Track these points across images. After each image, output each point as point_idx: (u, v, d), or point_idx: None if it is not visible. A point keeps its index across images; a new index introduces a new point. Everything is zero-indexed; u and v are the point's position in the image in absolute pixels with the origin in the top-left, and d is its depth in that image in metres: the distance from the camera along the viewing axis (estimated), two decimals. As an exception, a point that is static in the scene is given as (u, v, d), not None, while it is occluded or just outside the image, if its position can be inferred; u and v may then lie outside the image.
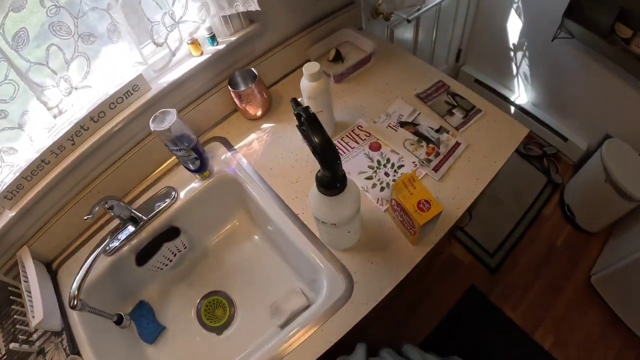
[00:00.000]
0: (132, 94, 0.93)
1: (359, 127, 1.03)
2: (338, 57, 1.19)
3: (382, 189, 0.92)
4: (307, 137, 0.61)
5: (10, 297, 0.93)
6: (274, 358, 0.78)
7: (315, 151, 0.60)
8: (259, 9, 0.91)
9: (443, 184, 0.91)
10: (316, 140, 0.58)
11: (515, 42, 1.79)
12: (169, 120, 0.87)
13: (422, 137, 0.98)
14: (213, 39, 0.99)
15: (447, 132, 0.99)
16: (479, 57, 2.03)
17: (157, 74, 0.94)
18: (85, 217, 0.85)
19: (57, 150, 0.88)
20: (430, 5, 1.47)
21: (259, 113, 1.09)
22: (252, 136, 1.08)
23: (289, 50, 1.16)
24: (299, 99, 0.67)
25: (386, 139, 0.99)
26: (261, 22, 1.04)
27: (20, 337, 0.89)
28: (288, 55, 1.17)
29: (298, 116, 0.61)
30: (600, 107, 1.66)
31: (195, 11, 0.92)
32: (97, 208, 0.86)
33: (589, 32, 1.35)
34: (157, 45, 0.88)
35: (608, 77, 1.52)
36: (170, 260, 1.05)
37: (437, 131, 0.99)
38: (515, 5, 1.67)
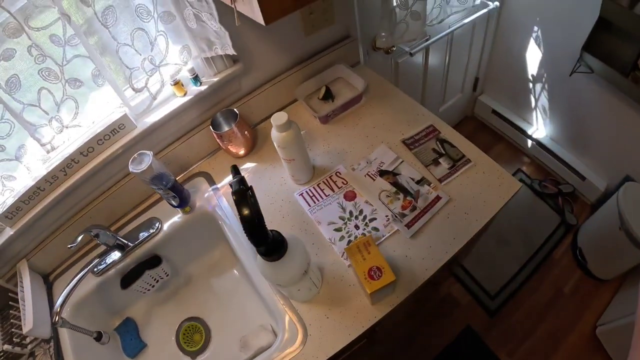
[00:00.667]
0: (118, 131, 0.97)
1: (337, 174, 1.00)
2: (328, 96, 1.16)
3: (349, 242, 0.89)
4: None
5: (10, 302, 1.01)
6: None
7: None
8: (235, 53, 0.91)
9: (415, 241, 0.87)
10: (243, 213, 0.57)
11: (534, 74, 1.69)
12: (146, 162, 0.89)
13: (400, 188, 0.94)
14: (196, 79, 0.99)
15: (429, 184, 0.94)
16: (497, 87, 1.94)
17: (141, 115, 0.96)
18: (69, 246, 0.90)
19: (50, 179, 0.95)
20: (439, 37, 1.42)
21: (241, 152, 1.08)
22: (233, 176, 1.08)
23: (279, 87, 1.15)
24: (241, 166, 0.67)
25: (362, 188, 0.96)
26: (246, 62, 1.04)
27: (15, 339, 0.96)
28: (277, 93, 1.16)
29: (231, 186, 0.60)
30: (621, 147, 1.54)
31: (176, 54, 0.93)
32: (81, 236, 0.90)
33: (609, 68, 1.25)
34: (136, 90, 0.90)
35: (630, 115, 1.41)
36: (153, 286, 1.08)
37: (418, 182, 0.95)
38: (534, 35, 1.58)
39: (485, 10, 1.47)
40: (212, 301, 1.09)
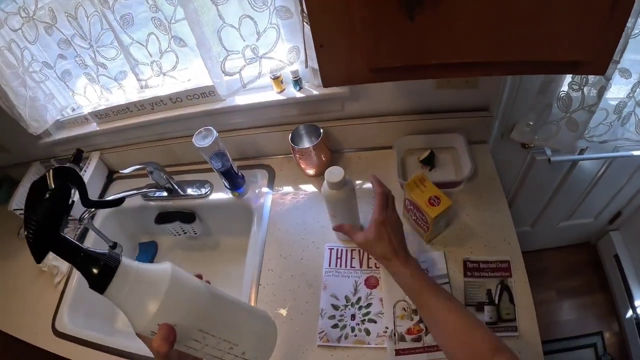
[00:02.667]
0: (207, 96, 0.99)
1: (376, 253, 0.89)
2: (429, 162, 1.01)
3: (336, 325, 0.80)
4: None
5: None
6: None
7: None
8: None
9: None
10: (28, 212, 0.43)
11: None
12: (209, 139, 0.89)
13: None
14: (297, 83, 0.94)
15: (456, 324, 0.79)
16: (638, 232, 1.52)
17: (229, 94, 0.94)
18: (120, 170, 0.97)
19: (139, 106, 1.04)
20: (592, 158, 1.12)
21: (311, 172, 1.02)
22: (292, 190, 1.04)
23: (382, 127, 1.02)
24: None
25: (387, 284, 0.84)
26: (355, 88, 0.94)
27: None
28: (378, 132, 1.04)
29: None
30: None
31: (284, 51, 0.88)
32: (136, 167, 0.96)
33: None
34: (226, 74, 0.87)
35: None
36: (180, 235, 1.14)
37: (445, 315, 0.80)
38: None
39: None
40: (224, 277, 1.09)
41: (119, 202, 0.56)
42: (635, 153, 1.08)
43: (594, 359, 1.53)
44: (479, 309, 0.81)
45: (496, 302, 0.81)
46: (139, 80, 0.94)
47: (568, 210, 1.49)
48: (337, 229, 0.82)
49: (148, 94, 0.99)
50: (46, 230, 0.42)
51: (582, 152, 1.14)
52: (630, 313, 1.50)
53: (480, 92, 0.97)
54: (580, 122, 0.92)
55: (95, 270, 0.41)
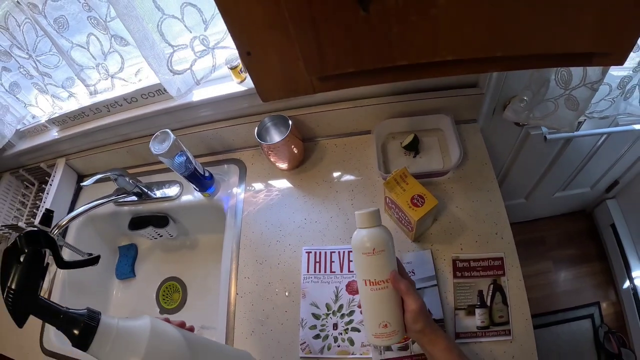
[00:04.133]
0: (162, 93, 0.88)
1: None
2: (413, 148, 0.90)
3: (318, 335, 0.73)
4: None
5: (43, 184, 1.11)
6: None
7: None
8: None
9: None
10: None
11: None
12: (166, 144, 0.78)
13: None
14: None
15: (444, 331, 0.72)
16: (635, 201, 1.43)
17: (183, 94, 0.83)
18: (81, 184, 0.90)
19: (95, 110, 0.94)
20: (591, 133, 1.01)
21: (283, 167, 0.92)
22: (264, 186, 0.94)
23: (359, 112, 0.91)
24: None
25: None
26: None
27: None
28: (355, 116, 0.93)
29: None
30: None
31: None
32: (98, 177, 0.87)
33: None
34: (174, 73, 0.75)
35: None
36: (156, 238, 1.07)
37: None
38: None
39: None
40: (203, 275, 1.05)
41: (94, 261, 0.53)
42: (637, 127, 0.97)
43: (591, 330, 1.49)
44: (469, 313, 0.74)
45: (488, 304, 0.74)
46: (87, 86, 0.83)
47: (563, 182, 1.39)
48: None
49: (100, 97, 0.89)
50: (25, 295, 0.43)
51: (579, 125, 1.03)
52: (627, 284, 1.44)
53: (468, 67, 0.85)
54: (581, 100, 0.80)
55: (76, 331, 0.41)
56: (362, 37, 0.35)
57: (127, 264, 1.11)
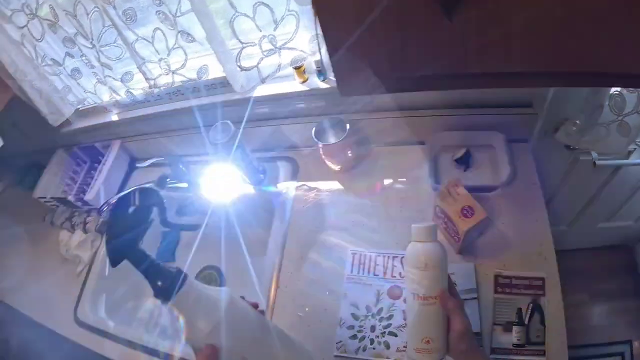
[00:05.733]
0: (226, 86, 0.94)
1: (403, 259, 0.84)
2: (465, 162, 0.94)
3: (354, 336, 0.77)
4: None
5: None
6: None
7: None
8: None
9: None
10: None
11: None
12: (226, 135, 0.85)
13: None
14: (321, 73, 0.87)
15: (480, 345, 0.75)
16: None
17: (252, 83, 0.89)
18: (137, 165, 0.95)
19: (157, 97, 1.02)
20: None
21: (336, 168, 0.97)
22: (316, 185, 0.99)
23: (414, 121, 0.96)
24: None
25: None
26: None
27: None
28: (409, 126, 0.96)
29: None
30: None
31: (305, 41, 0.81)
32: (152, 160, 0.94)
33: None
34: (243, 69, 0.81)
35: None
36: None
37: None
38: None
39: None
40: (241, 269, 1.03)
41: (194, 227, 0.59)
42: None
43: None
44: (506, 329, 0.76)
45: (526, 322, 0.76)
46: (147, 79, 0.90)
47: (609, 212, 1.39)
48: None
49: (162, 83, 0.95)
50: (125, 241, 0.47)
51: (629, 154, 1.04)
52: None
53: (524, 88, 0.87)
54: (634, 127, 0.83)
55: (163, 284, 0.45)
56: (443, 43, 0.40)
57: (169, 248, 1.17)
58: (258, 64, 0.83)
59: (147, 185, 0.53)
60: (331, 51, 0.45)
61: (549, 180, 1.23)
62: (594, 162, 1.02)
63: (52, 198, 1.16)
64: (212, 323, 0.46)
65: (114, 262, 0.47)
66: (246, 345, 0.50)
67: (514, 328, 0.76)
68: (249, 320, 0.52)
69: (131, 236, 0.48)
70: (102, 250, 1.06)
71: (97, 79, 0.95)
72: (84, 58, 0.90)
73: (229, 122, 0.86)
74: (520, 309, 0.78)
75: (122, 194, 0.51)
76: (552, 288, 0.78)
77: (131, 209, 0.49)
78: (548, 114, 0.95)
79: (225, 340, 0.47)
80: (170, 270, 0.47)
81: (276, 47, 0.82)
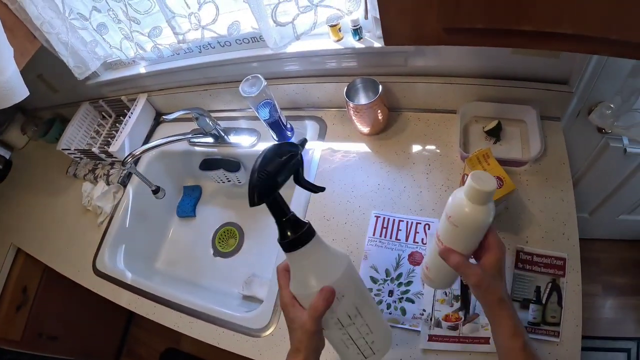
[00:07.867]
0: (257, 41, 0.95)
1: (427, 226, 0.85)
2: (495, 134, 0.94)
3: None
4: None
5: (121, 116, 1.22)
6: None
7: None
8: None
9: (424, 358, 0.74)
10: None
11: None
12: (256, 88, 0.86)
13: (464, 297, 0.77)
14: (357, 32, 0.87)
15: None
16: None
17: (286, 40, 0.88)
18: (163, 117, 0.97)
19: (186, 50, 1.03)
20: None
21: (365, 130, 0.97)
22: (343, 146, 1.00)
23: (448, 89, 0.95)
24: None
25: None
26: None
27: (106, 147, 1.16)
28: (443, 93, 0.96)
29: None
30: None
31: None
32: (180, 113, 0.95)
33: None
34: (278, 24, 0.80)
35: None
36: (223, 182, 1.16)
37: (488, 304, 0.77)
38: None
39: None
40: (264, 226, 1.12)
41: (320, 189, 0.60)
42: None
43: (625, 364, 1.49)
44: (523, 306, 0.77)
45: (543, 301, 0.77)
46: (175, 34, 0.91)
47: (632, 204, 1.38)
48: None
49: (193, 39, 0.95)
50: (270, 183, 0.49)
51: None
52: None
53: (562, 62, 0.86)
54: (674, 115, 0.82)
55: (290, 234, 0.48)
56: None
57: (190, 203, 1.21)
58: (294, 20, 0.82)
59: (294, 142, 0.54)
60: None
61: (577, 164, 1.24)
62: (625, 149, 1.01)
63: (76, 150, 1.19)
64: (324, 283, 0.48)
65: (253, 203, 0.48)
66: (358, 296, 0.53)
67: (531, 306, 0.77)
68: (361, 286, 0.55)
69: (276, 180, 0.49)
70: (126, 202, 1.09)
71: (124, 34, 0.96)
72: (110, 12, 0.91)
73: (259, 75, 0.87)
74: (539, 287, 0.78)
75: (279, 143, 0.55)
76: (572, 270, 0.79)
77: (284, 158, 0.51)
78: (583, 94, 0.95)
79: (344, 289, 0.50)
80: (302, 223, 0.50)
81: (313, 4, 0.81)
